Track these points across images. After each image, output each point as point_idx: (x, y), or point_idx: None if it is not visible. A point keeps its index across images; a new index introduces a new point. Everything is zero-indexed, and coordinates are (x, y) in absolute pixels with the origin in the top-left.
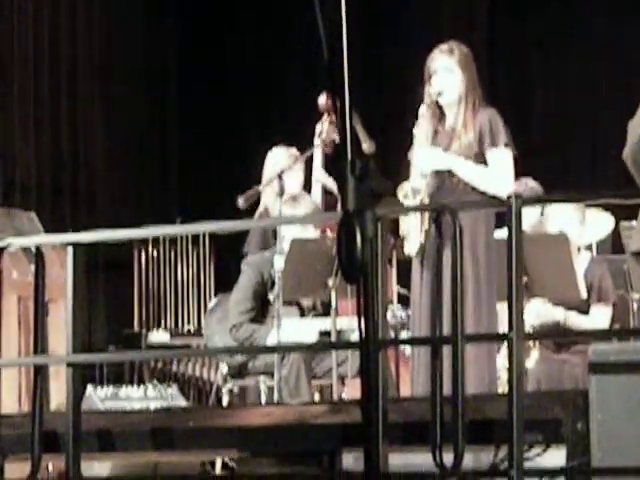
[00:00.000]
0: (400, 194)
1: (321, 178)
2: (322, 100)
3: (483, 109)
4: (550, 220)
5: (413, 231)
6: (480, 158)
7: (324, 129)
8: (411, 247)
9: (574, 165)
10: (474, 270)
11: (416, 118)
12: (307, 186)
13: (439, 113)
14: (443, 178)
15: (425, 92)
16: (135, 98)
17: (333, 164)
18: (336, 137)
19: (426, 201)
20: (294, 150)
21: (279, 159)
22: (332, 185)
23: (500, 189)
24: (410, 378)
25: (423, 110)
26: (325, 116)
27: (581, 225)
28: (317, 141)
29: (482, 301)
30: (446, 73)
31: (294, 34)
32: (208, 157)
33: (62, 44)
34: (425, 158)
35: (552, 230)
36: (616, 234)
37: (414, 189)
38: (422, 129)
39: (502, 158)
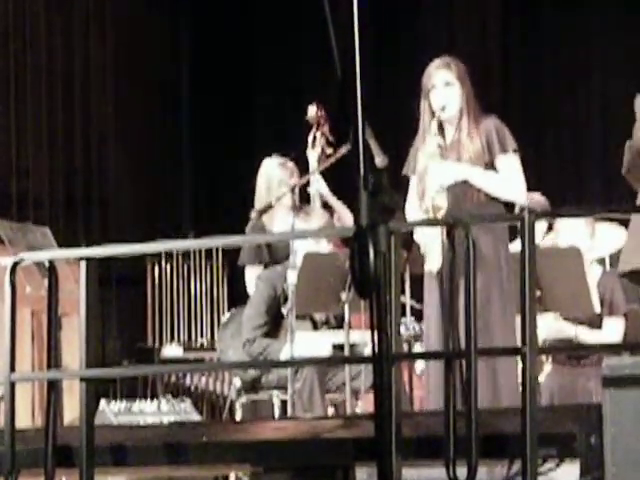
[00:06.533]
0: (420, 211)
1: (329, 199)
2: (312, 111)
3: (485, 118)
4: (561, 234)
5: (434, 248)
6: (490, 166)
7: (317, 141)
8: (433, 264)
9: (586, 177)
10: (498, 285)
11: (414, 136)
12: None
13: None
14: (460, 191)
15: (422, 109)
16: (148, 112)
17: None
18: (328, 149)
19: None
20: (289, 162)
21: (272, 170)
22: (337, 204)
23: (515, 194)
24: (425, 393)
25: (434, 126)
26: (315, 128)
27: (591, 239)
28: (312, 165)
29: (508, 316)
30: (446, 87)
31: (311, 41)
32: (221, 171)
33: (75, 56)
34: (440, 172)
35: (563, 244)
36: None
37: (435, 206)
38: (431, 145)
39: (513, 163)
